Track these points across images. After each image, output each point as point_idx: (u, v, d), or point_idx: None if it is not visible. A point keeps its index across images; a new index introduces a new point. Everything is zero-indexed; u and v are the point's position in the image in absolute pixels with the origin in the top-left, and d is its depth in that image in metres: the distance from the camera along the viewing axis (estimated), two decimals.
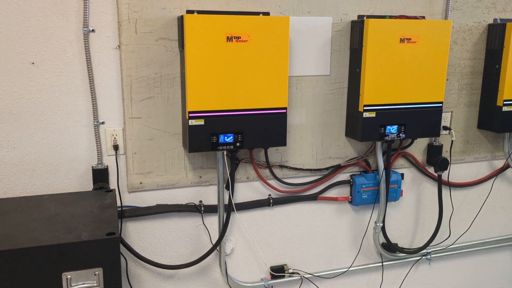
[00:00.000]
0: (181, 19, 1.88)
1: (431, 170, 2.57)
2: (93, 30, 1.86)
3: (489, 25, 2.46)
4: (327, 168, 2.37)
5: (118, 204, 2.01)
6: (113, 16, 1.87)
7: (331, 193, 2.43)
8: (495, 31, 2.41)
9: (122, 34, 1.89)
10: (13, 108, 1.83)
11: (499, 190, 2.78)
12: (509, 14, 2.49)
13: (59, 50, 1.84)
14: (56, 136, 1.91)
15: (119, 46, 1.91)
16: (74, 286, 1.43)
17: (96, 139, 1.96)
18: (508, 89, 2.38)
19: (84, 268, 1.43)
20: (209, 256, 2.18)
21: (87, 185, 1.99)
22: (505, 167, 2.72)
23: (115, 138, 1.99)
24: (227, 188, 2.15)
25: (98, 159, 1.98)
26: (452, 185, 2.63)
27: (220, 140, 1.96)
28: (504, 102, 2.39)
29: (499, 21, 2.46)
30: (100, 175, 1.98)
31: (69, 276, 1.42)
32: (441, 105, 2.24)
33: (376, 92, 2.14)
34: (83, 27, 1.84)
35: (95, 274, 1.44)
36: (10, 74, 1.80)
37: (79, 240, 1.42)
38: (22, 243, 1.40)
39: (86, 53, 1.86)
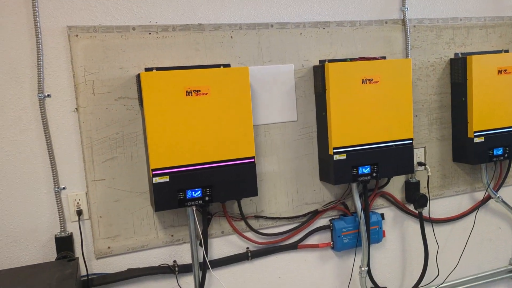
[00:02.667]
0: (138, 77, 1.86)
1: (411, 207, 2.51)
2: (49, 95, 1.83)
3: (451, 59, 2.49)
4: (304, 215, 2.30)
5: (84, 273, 1.91)
6: (69, 80, 1.85)
7: (312, 240, 2.34)
8: (457, 65, 2.44)
9: (79, 97, 1.87)
10: None
11: (484, 222, 2.72)
12: (469, 48, 2.54)
13: (14, 118, 1.80)
14: (15, 206, 1.84)
15: (76, 109, 1.87)
16: None
17: (58, 206, 1.88)
18: (477, 121, 2.38)
19: None
20: None
21: (51, 255, 1.90)
22: (487, 198, 2.67)
23: (78, 203, 1.92)
24: (202, 245, 2.06)
25: (61, 226, 1.90)
26: (434, 221, 2.56)
27: (187, 195, 1.90)
28: (475, 134, 2.38)
29: (460, 55, 2.50)
30: (63, 244, 1.89)
31: None
32: (411, 141, 2.22)
33: (345, 134, 2.12)
34: (38, 93, 1.81)
35: None
36: None
37: None
38: None
39: (42, 119, 1.82)
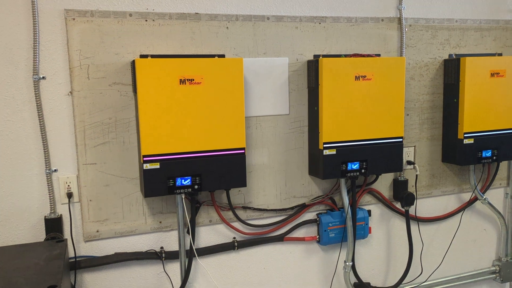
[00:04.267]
0: (133, 64, 1.88)
1: (398, 205, 2.54)
2: (43, 77, 1.85)
3: (445, 60, 2.51)
4: (292, 208, 2.33)
5: (72, 254, 1.94)
6: (64, 63, 1.87)
7: (298, 233, 2.38)
8: (451, 66, 2.46)
9: (74, 80, 1.88)
10: None
11: (469, 223, 2.76)
12: (463, 50, 2.56)
13: (9, 98, 1.81)
14: (6, 186, 1.85)
15: (71, 92, 1.89)
16: None
17: (48, 188, 1.90)
18: (467, 122, 2.41)
19: None
20: None
21: (40, 235, 1.92)
22: (473, 199, 2.71)
23: (68, 185, 1.94)
24: (189, 232, 2.09)
25: (51, 208, 1.92)
26: (420, 220, 2.60)
27: (177, 183, 1.92)
28: (465, 135, 2.41)
29: (454, 56, 2.53)
30: (52, 225, 1.91)
31: None
32: (401, 140, 2.25)
33: (335, 129, 2.14)
34: (33, 75, 1.82)
35: None
36: None
37: None
38: None
39: (36, 101, 1.84)
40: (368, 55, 2.19)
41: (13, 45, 1.80)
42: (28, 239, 1.91)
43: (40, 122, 1.86)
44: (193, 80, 1.88)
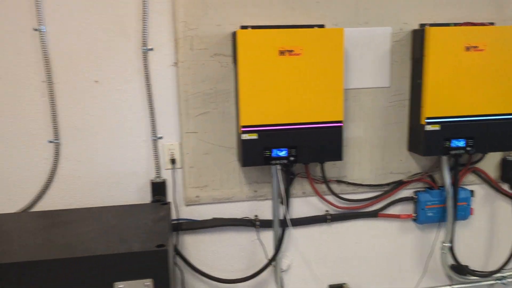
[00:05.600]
0: (234, 35, 1.90)
1: (506, 187, 2.36)
2: (151, 49, 1.94)
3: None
4: (388, 184, 2.26)
5: (175, 217, 2.06)
6: (170, 35, 1.94)
7: (393, 210, 2.31)
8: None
9: (178, 52, 1.96)
10: (78, 124, 1.95)
11: None
12: None
13: (120, 68, 1.94)
14: (117, 151, 2.01)
15: (175, 63, 1.97)
16: None
17: (154, 154, 2.03)
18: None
19: (135, 279, 1.47)
20: (265, 271, 2.16)
21: (146, 197, 2.06)
22: None
23: (172, 152, 2.05)
24: (283, 203, 2.12)
25: (156, 172, 2.05)
26: None
27: (273, 154, 1.94)
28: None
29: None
30: (158, 189, 2.04)
31: (121, 286, 1.46)
32: None
33: (440, 104, 2.01)
34: (142, 46, 1.93)
35: (145, 285, 1.48)
36: (75, 92, 1.92)
37: (130, 251, 1.47)
38: (78, 252, 1.47)
39: (145, 71, 1.94)
40: (482, 24, 2.01)
41: (125, 17, 1.90)
42: (135, 200, 2.06)
43: (147, 91, 1.97)
44: (293, 51, 1.87)
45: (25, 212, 1.94)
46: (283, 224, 2.13)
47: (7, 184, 1.94)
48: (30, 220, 1.81)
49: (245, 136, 1.91)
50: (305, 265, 2.28)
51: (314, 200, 2.23)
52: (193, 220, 2.12)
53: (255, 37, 1.84)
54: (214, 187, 2.11)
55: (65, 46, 1.88)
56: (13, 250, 1.52)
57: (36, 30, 1.84)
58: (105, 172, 2.01)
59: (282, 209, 2.13)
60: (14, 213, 1.93)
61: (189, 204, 2.11)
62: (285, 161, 1.96)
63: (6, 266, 1.42)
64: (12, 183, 1.94)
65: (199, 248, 2.17)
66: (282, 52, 1.86)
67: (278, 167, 2.03)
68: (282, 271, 2.25)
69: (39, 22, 1.83)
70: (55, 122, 1.92)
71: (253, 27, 1.97)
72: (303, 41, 1.87)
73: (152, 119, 2.00)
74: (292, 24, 2.02)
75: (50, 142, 1.94)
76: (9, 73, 1.85)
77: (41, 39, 1.85)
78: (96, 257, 1.44)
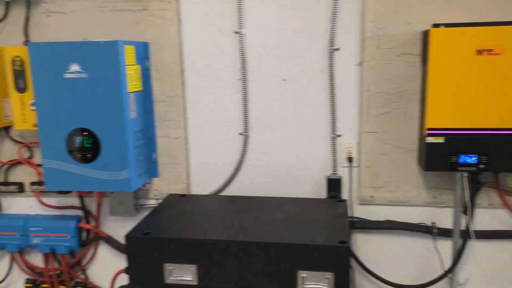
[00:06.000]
0: (426, 34, 1.83)
1: None
2: (337, 49, 1.98)
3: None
4: None
5: (349, 214, 2.08)
6: (357, 35, 1.96)
7: None
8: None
9: (364, 51, 1.96)
10: (265, 119, 2.10)
11: None
12: None
13: (306, 67, 2.03)
14: (298, 145, 2.11)
15: (360, 62, 1.98)
16: (307, 285, 1.55)
17: (332, 151, 2.08)
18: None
19: (316, 270, 1.54)
20: (440, 282, 2.05)
21: (320, 193, 2.12)
22: None
23: (350, 150, 2.07)
24: (465, 212, 1.98)
25: (333, 169, 2.09)
26: None
27: (460, 160, 1.82)
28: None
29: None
30: (333, 185, 2.09)
31: (304, 275, 1.55)
32: None
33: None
34: (329, 46, 1.98)
35: (326, 278, 1.53)
36: (265, 89, 2.07)
37: (314, 243, 1.54)
38: (269, 238, 1.59)
39: (329, 70, 2.00)
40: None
41: (315, 19, 1.98)
42: (311, 194, 2.14)
43: (330, 90, 2.02)
44: (493, 50, 1.72)
45: (216, 195, 2.17)
46: (464, 235, 1.99)
47: (205, 169, 2.19)
48: (220, 202, 2.02)
49: (430, 139, 1.83)
50: (485, 283, 2.10)
51: (502, 213, 2.03)
52: (366, 219, 2.12)
53: (450, 36, 1.74)
54: (390, 188, 2.07)
55: (259, 47, 2.04)
56: (211, 229, 1.72)
57: (236, 33, 2.03)
58: (286, 165, 2.13)
59: (464, 219, 1.99)
60: (208, 195, 2.17)
61: (362, 203, 2.11)
62: (473, 169, 1.82)
63: (205, 242, 1.61)
64: (209, 168, 2.19)
65: (369, 248, 2.15)
66: (479, 52, 1.73)
67: (465, 174, 1.90)
68: (459, 285, 2.10)
69: (239, 25, 2.02)
70: (245, 116, 2.10)
71: (447, 25, 1.86)
72: (504, 40, 1.71)
73: (333, 117, 2.05)
74: (489, 21, 1.85)
75: (240, 134, 2.13)
76: (212, 71, 2.09)
77: (240, 41, 2.04)
78: (284, 245, 1.55)
